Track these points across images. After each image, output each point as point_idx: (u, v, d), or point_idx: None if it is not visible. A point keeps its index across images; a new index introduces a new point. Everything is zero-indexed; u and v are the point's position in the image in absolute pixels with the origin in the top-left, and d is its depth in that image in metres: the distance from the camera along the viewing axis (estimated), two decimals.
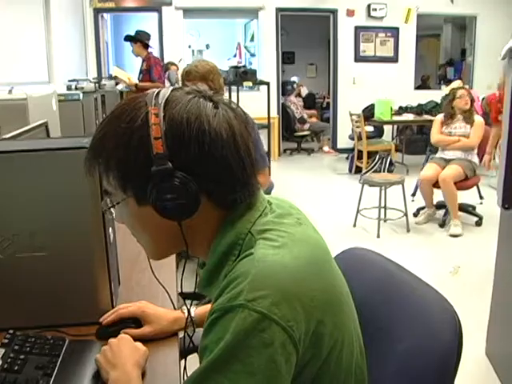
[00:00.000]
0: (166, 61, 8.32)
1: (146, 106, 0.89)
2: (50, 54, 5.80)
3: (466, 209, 5.58)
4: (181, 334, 1.32)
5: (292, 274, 0.85)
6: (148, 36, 6.82)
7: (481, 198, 5.97)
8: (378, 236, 5.02)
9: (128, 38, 6.70)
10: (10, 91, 3.17)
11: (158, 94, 0.91)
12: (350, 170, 8.03)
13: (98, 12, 8.75)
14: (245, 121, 0.95)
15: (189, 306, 1.28)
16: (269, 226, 0.93)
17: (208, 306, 1.30)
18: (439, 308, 1.07)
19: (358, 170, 7.62)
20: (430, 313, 1.07)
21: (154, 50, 7.31)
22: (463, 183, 5.22)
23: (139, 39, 6.59)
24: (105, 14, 9.25)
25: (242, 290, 0.81)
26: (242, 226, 0.93)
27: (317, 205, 5.88)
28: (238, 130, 0.91)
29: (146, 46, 6.66)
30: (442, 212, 5.46)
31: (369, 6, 9.34)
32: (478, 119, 5.41)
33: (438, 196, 5.40)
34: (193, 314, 1.32)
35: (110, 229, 1.40)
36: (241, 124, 0.93)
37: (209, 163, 0.88)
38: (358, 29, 9.44)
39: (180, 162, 0.87)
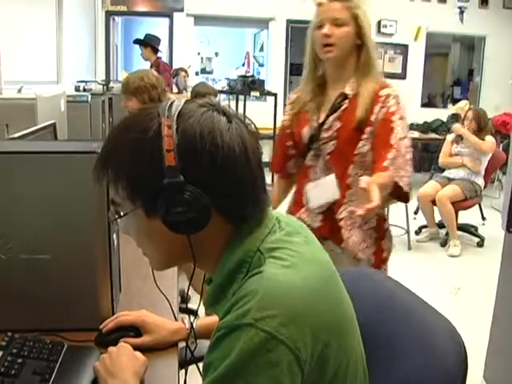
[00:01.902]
0: (174, 66, 8.33)
1: (158, 117, 0.87)
2: (60, 55, 5.82)
3: (468, 229, 5.58)
4: (181, 345, 1.31)
5: (301, 294, 0.84)
6: (158, 40, 6.80)
7: (483, 218, 5.96)
8: None
9: (138, 42, 6.70)
10: (19, 90, 3.18)
11: (171, 105, 0.89)
12: None
13: (109, 15, 8.78)
14: (257, 137, 0.94)
15: (191, 318, 1.27)
16: (278, 244, 0.92)
17: (210, 318, 1.29)
18: (444, 332, 1.05)
19: None
20: (435, 337, 1.05)
21: (163, 54, 7.31)
22: (461, 203, 5.23)
23: (149, 43, 6.57)
24: (116, 17, 9.29)
25: (251, 308, 0.80)
26: (251, 244, 0.91)
27: None
28: (250, 146, 0.90)
29: (156, 51, 6.64)
30: (444, 231, 5.44)
31: (379, 22, 9.37)
32: (489, 138, 5.39)
33: (439, 215, 5.39)
34: (194, 326, 1.30)
35: (114, 235, 1.39)
36: (253, 139, 0.92)
37: (220, 178, 0.87)
38: None
39: (191, 176, 0.85)
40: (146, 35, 6.82)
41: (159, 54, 6.73)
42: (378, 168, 1.91)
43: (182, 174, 0.85)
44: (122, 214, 0.94)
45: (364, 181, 1.72)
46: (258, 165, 0.92)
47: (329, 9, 1.98)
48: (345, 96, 2.03)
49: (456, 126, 5.46)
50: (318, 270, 0.92)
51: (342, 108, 2.03)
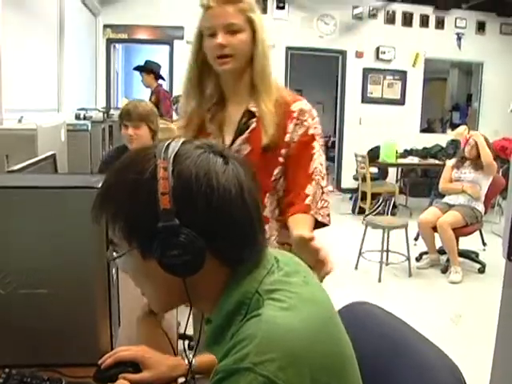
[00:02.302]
0: (174, 93, 8.38)
1: (154, 159, 0.88)
2: (61, 82, 5.86)
3: (469, 255, 5.56)
4: (180, 380, 1.30)
5: (300, 337, 0.83)
6: (158, 66, 6.81)
7: (484, 244, 5.95)
8: (380, 280, 4.98)
9: (138, 68, 6.73)
10: (19, 120, 3.20)
11: (168, 146, 0.90)
12: (354, 211, 8.02)
13: (110, 42, 8.87)
14: (254, 177, 0.95)
15: (189, 354, 1.26)
16: (276, 285, 0.91)
17: (209, 355, 1.28)
18: (444, 368, 1.05)
19: (362, 211, 7.61)
20: (435, 373, 1.05)
21: (164, 82, 7.36)
22: (462, 230, 5.22)
23: (150, 69, 6.59)
24: (117, 45, 9.38)
25: (249, 352, 0.79)
26: (249, 285, 0.91)
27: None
28: (247, 187, 0.90)
29: (157, 77, 6.65)
30: (445, 257, 5.42)
31: (377, 48, 9.47)
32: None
33: (440, 241, 5.38)
34: (194, 362, 1.29)
35: (114, 269, 1.39)
36: (250, 180, 0.92)
37: (216, 220, 0.87)
38: (366, 70, 9.55)
39: (187, 219, 0.85)
40: (146, 61, 6.85)
41: (160, 81, 6.75)
42: (300, 206, 1.74)
43: (177, 217, 0.85)
44: (118, 253, 0.94)
45: (298, 244, 1.53)
46: (255, 206, 0.92)
47: (220, 13, 1.70)
48: (251, 114, 1.78)
49: (475, 133, 5.46)
50: (317, 310, 0.91)
51: (250, 128, 1.77)
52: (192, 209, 0.86)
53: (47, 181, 1.37)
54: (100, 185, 1.24)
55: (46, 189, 1.28)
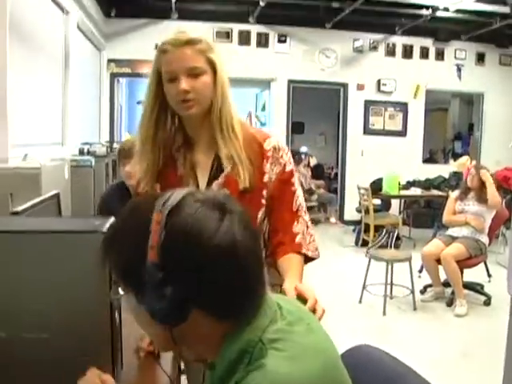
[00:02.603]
0: None
1: (152, 211, 0.89)
2: (66, 116, 5.91)
3: (474, 287, 5.52)
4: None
5: None
6: None
7: (489, 275, 5.91)
8: (384, 314, 4.95)
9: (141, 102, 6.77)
10: (24, 158, 3.23)
11: (168, 199, 0.91)
12: (357, 243, 8.00)
13: (114, 76, 8.98)
14: (255, 231, 0.96)
15: None
16: (279, 334, 0.92)
17: None
18: None
19: (365, 244, 7.58)
20: None
21: None
22: (466, 262, 5.20)
23: None
24: (120, 79, 9.49)
25: None
26: (252, 334, 0.91)
27: (322, 278, 5.81)
28: (242, 245, 0.90)
29: None
30: (449, 290, 5.38)
31: (379, 81, 9.56)
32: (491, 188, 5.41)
33: (444, 273, 5.35)
34: None
35: (116, 313, 1.39)
36: (248, 235, 0.92)
37: (203, 278, 0.87)
38: (367, 102, 9.62)
39: (172, 273, 0.86)
40: None
41: None
42: (291, 246, 1.72)
43: (162, 271, 0.86)
44: (119, 294, 0.97)
45: (290, 293, 1.47)
46: (253, 261, 0.92)
47: (180, 57, 1.63)
48: (224, 156, 1.71)
49: (483, 171, 5.45)
50: (320, 359, 0.91)
51: (225, 172, 1.70)
52: (178, 265, 0.87)
53: (51, 224, 1.38)
54: (103, 229, 1.27)
55: (49, 233, 1.29)
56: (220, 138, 1.69)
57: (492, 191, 5.31)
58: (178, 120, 1.76)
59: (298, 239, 1.73)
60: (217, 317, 0.91)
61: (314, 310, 1.37)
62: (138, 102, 6.83)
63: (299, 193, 1.80)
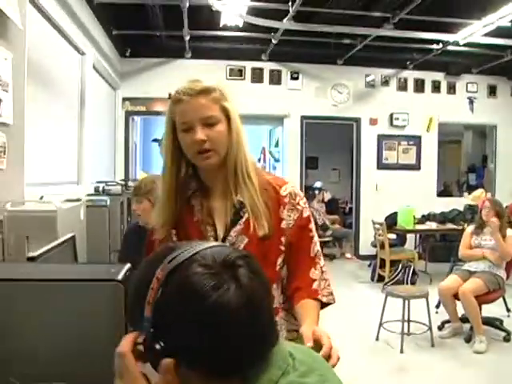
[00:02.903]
0: None
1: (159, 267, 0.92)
2: (81, 155, 5.99)
3: (493, 323, 5.42)
4: None
5: None
6: None
7: (508, 310, 5.82)
8: (402, 351, 4.86)
9: (156, 140, 6.85)
10: (41, 198, 3.27)
11: (175, 256, 0.91)
12: (373, 279, 7.91)
13: (129, 115, 9.10)
14: (268, 290, 0.95)
15: None
16: None
17: None
18: None
19: (381, 279, 7.52)
20: None
21: None
22: (485, 297, 5.13)
23: None
24: (135, 117, 9.61)
25: None
26: None
27: (338, 315, 5.73)
28: (242, 305, 0.88)
29: None
30: (468, 325, 5.29)
31: (391, 115, 9.59)
32: (510, 233, 5.35)
33: (462, 309, 5.26)
34: None
35: None
36: (260, 297, 0.91)
37: (196, 340, 0.86)
38: (380, 137, 9.64)
39: (163, 332, 0.87)
40: None
41: None
42: (308, 292, 1.70)
43: (154, 327, 0.88)
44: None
45: (308, 337, 1.45)
46: (259, 316, 0.91)
47: (195, 106, 1.63)
48: (239, 204, 1.70)
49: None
50: None
51: (243, 219, 1.69)
52: (169, 324, 0.88)
53: (66, 272, 1.39)
54: (119, 277, 1.28)
55: (65, 281, 1.29)
56: (236, 185, 1.70)
57: (502, 246, 5.25)
58: (193, 166, 1.77)
59: (314, 285, 1.72)
60: (217, 376, 0.89)
61: (328, 357, 1.35)
62: (154, 140, 6.90)
63: (316, 239, 1.80)
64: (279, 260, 1.74)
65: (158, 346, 0.87)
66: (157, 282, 0.88)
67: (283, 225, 1.73)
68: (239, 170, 1.69)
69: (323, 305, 1.74)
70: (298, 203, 1.76)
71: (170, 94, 1.71)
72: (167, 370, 0.87)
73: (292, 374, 0.93)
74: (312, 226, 1.80)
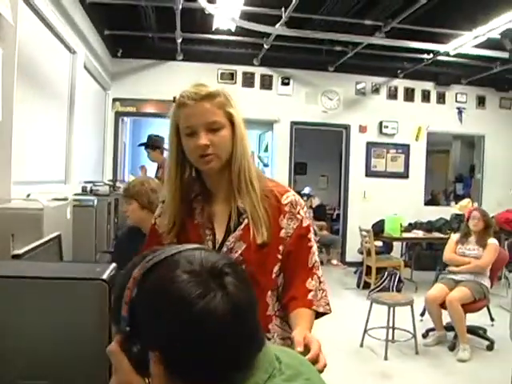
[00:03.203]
0: None
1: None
2: (70, 154, 5.94)
3: (477, 332, 5.45)
4: None
5: None
6: (162, 140, 6.89)
7: (492, 319, 5.84)
8: (386, 358, 4.87)
9: (143, 145, 6.81)
10: (27, 196, 3.24)
11: (154, 256, 0.91)
12: (358, 286, 7.93)
13: (119, 115, 9.07)
14: (253, 296, 0.93)
15: None
16: None
17: None
18: None
19: (367, 286, 7.54)
20: None
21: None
22: (471, 306, 5.16)
23: (156, 146, 6.65)
24: (125, 118, 9.58)
25: None
26: None
27: (323, 321, 5.75)
28: (232, 318, 0.87)
29: (163, 151, 6.66)
30: (452, 334, 5.31)
31: (381, 123, 9.64)
32: (492, 241, 5.41)
33: (447, 317, 5.28)
34: None
35: None
36: (241, 298, 0.89)
37: (173, 341, 0.85)
38: (369, 144, 9.68)
39: (137, 331, 0.88)
40: (149, 136, 6.92)
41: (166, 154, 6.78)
42: (303, 302, 1.69)
43: (130, 326, 0.88)
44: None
45: (298, 342, 1.45)
46: (242, 324, 0.89)
47: (199, 111, 1.63)
48: (240, 210, 1.70)
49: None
50: None
51: (243, 225, 1.69)
52: (143, 324, 0.88)
53: (51, 270, 1.37)
54: (104, 276, 1.27)
55: (50, 279, 1.28)
56: (238, 191, 1.69)
57: (474, 267, 5.30)
58: (196, 171, 1.77)
59: (310, 296, 1.71)
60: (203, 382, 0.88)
61: (315, 362, 1.35)
62: (141, 145, 6.87)
63: (315, 249, 1.79)
64: (275, 268, 1.72)
65: (134, 346, 0.88)
66: (133, 282, 0.88)
67: (282, 234, 1.72)
68: (242, 176, 1.68)
69: (319, 314, 1.74)
70: (299, 212, 1.75)
71: (174, 98, 1.70)
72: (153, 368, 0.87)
73: (278, 377, 0.93)
74: (311, 235, 1.78)
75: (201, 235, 1.71)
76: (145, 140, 6.91)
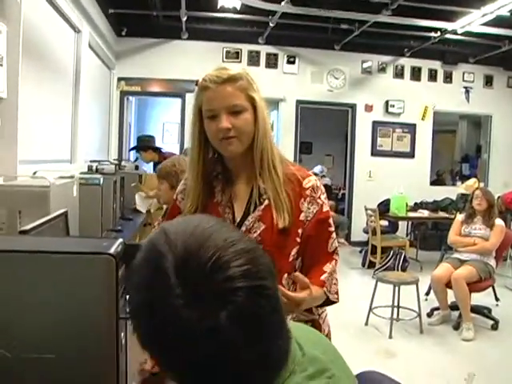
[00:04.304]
0: (185, 146, 8.48)
1: None
2: (75, 134, 5.94)
3: (481, 311, 5.46)
4: None
5: None
6: (153, 139, 6.80)
7: (497, 299, 5.86)
8: (391, 337, 4.90)
9: (134, 149, 6.77)
10: (34, 174, 3.24)
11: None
12: (364, 265, 7.96)
13: (124, 95, 9.04)
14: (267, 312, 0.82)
15: None
16: None
17: None
18: None
19: (372, 265, 7.56)
20: None
21: (164, 148, 7.27)
22: (476, 285, 5.16)
23: (148, 146, 6.55)
24: (130, 97, 9.56)
25: None
26: None
27: None
28: (243, 336, 0.77)
29: (157, 149, 6.61)
30: (456, 313, 5.33)
31: (387, 102, 9.58)
32: (499, 223, 5.40)
33: (452, 297, 5.30)
34: None
35: (122, 334, 1.38)
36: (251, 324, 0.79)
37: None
38: (375, 124, 9.64)
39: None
40: (139, 138, 6.87)
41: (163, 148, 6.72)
42: (315, 281, 1.68)
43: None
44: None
45: (300, 279, 1.54)
46: (253, 346, 0.79)
47: (221, 94, 1.64)
48: (261, 190, 1.71)
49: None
50: None
51: (263, 206, 1.70)
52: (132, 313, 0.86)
53: (58, 245, 1.37)
54: (111, 250, 1.27)
55: (55, 254, 1.28)
56: (261, 175, 1.70)
57: (478, 249, 5.31)
58: (218, 153, 1.77)
59: (323, 277, 1.72)
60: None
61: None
62: (132, 149, 6.86)
63: (334, 234, 1.79)
64: (293, 251, 1.73)
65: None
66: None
67: (302, 217, 1.72)
68: (265, 160, 1.69)
69: (327, 302, 1.76)
70: (319, 197, 1.76)
71: (197, 81, 1.71)
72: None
73: (299, 374, 0.88)
74: (331, 221, 1.79)
75: (220, 214, 1.73)
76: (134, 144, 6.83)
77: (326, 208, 1.77)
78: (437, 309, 5.49)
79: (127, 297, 0.83)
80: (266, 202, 1.70)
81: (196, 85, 1.72)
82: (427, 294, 5.88)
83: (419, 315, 5.09)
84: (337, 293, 1.77)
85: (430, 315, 5.49)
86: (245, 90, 1.66)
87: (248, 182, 1.74)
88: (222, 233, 0.81)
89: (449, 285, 5.18)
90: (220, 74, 1.65)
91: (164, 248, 0.79)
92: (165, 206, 3.66)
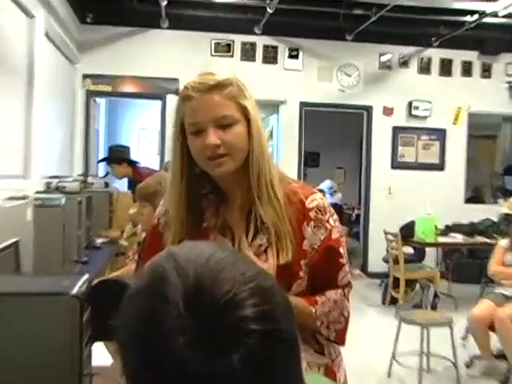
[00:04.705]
0: (166, 158, 8.45)
1: None
2: (29, 143, 5.91)
3: None
4: None
5: None
6: (128, 149, 6.74)
7: None
8: None
9: (104, 160, 6.75)
10: None
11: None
12: (384, 302, 7.94)
13: (90, 95, 9.05)
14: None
15: None
16: None
17: None
18: None
19: (394, 302, 7.53)
20: None
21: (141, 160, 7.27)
22: None
23: (122, 158, 6.49)
24: (98, 99, 9.57)
25: None
26: None
27: None
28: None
29: (131, 162, 6.56)
30: (504, 363, 5.24)
31: (410, 103, 9.62)
32: None
33: (497, 342, 5.23)
34: None
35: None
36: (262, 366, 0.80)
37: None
38: (396, 130, 9.69)
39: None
40: (110, 149, 6.86)
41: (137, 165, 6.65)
42: (307, 298, 1.70)
43: None
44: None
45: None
46: None
47: (206, 104, 1.61)
48: (262, 223, 1.69)
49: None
50: None
51: (263, 241, 1.70)
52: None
53: (8, 284, 1.36)
54: (73, 291, 1.26)
55: (5, 296, 1.27)
56: (258, 198, 1.67)
57: None
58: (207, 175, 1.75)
59: (318, 297, 1.71)
60: None
61: None
62: (100, 161, 6.85)
63: (348, 268, 1.77)
64: (294, 287, 1.70)
65: None
66: None
67: (305, 245, 1.70)
68: (263, 179, 1.67)
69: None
70: (328, 220, 1.73)
71: (177, 90, 1.69)
72: None
73: None
74: (343, 250, 1.75)
75: (212, 239, 1.71)
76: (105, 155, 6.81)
77: (336, 234, 1.74)
78: (478, 357, 5.43)
79: (114, 324, 0.83)
80: (265, 240, 1.68)
81: (176, 94, 1.71)
82: (464, 338, 5.83)
83: (455, 365, 5.04)
84: (342, 334, 1.75)
85: (468, 365, 5.43)
86: (235, 98, 1.64)
87: (244, 204, 1.72)
88: (238, 265, 0.83)
89: (492, 327, 5.13)
90: (205, 80, 1.63)
91: (173, 276, 0.80)
92: (143, 234, 3.58)
